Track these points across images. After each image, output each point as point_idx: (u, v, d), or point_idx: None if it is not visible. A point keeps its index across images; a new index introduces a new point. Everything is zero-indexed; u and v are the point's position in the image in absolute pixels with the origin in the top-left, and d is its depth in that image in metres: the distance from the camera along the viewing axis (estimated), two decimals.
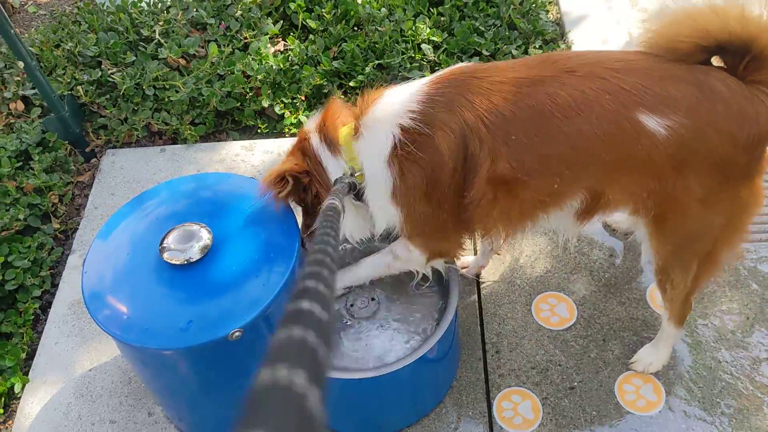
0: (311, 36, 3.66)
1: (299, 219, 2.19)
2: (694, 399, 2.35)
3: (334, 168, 2.05)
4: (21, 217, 3.00)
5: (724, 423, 2.28)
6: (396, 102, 1.94)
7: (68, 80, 3.48)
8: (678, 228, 1.99)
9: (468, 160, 1.88)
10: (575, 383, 2.42)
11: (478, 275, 2.72)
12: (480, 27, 3.58)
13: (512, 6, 3.63)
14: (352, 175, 2.01)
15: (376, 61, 3.45)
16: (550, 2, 3.87)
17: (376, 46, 3.51)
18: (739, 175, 1.89)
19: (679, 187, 1.88)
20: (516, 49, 3.49)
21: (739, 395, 2.34)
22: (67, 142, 3.39)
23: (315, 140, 2.07)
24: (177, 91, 3.38)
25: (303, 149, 2.10)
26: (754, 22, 1.70)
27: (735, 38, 1.73)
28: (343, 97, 3.42)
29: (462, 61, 3.44)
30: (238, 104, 3.44)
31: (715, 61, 1.87)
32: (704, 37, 1.76)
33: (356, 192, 2.04)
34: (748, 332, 2.50)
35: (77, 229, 3.10)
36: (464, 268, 2.70)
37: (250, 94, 3.45)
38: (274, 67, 3.45)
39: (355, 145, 2.00)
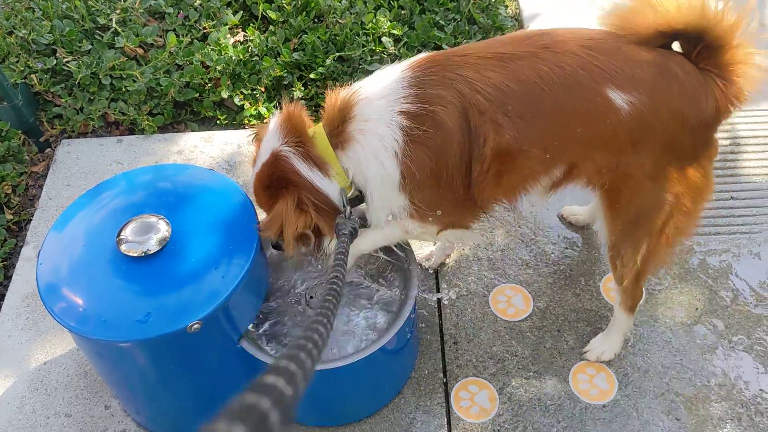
0: (271, 27, 3.64)
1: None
2: (646, 388, 2.41)
3: (333, 191, 1.99)
4: None
5: (674, 411, 2.35)
6: (381, 94, 1.90)
7: (22, 68, 3.41)
8: (629, 203, 2.07)
9: (471, 132, 1.88)
10: (531, 373, 2.46)
11: (443, 264, 2.75)
12: (440, 21, 3.61)
13: (472, 1, 3.67)
14: (345, 203, 1.98)
15: (337, 54, 3.45)
16: None
17: (337, 38, 3.50)
18: (687, 155, 1.99)
19: (634, 163, 1.97)
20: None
21: (688, 384, 2.42)
22: (20, 131, 3.32)
23: (301, 165, 1.94)
24: (134, 81, 3.34)
25: (290, 179, 1.96)
26: (707, 14, 1.82)
27: (690, 28, 1.85)
28: (302, 88, 3.41)
29: None
30: (197, 95, 3.41)
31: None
32: (663, 25, 1.86)
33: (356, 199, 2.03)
34: (697, 322, 2.57)
35: (31, 220, 3.04)
36: (427, 260, 2.73)
37: (209, 84, 3.42)
38: (233, 57, 3.42)
39: (344, 156, 1.94)
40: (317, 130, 1.98)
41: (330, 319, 1.36)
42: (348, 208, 2.00)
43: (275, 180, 1.98)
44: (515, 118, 1.87)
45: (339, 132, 1.93)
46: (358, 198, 2.06)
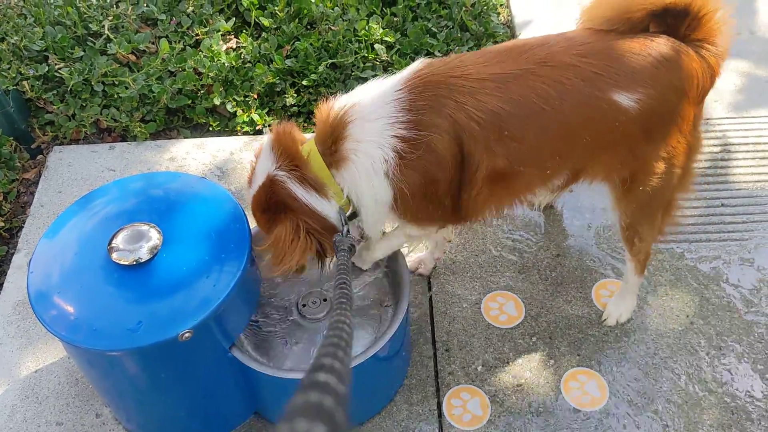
0: (264, 34, 3.65)
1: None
2: (637, 395, 2.42)
3: (331, 211, 1.97)
4: None
5: (665, 418, 2.36)
6: (375, 116, 1.89)
7: (14, 75, 3.40)
8: (644, 187, 2.14)
9: (464, 159, 1.90)
10: (523, 380, 2.47)
11: (434, 267, 2.75)
12: (432, 28, 3.62)
13: (464, 8, 3.68)
14: (344, 221, 1.98)
15: (329, 61, 3.45)
16: (501, 5, 3.93)
17: (330, 45, 3.51)
18: (690, 126, 2.07)
19: (649, 151, 2.05)
20: (468, 50, 3.53)
21: (679, 391, 2.42)
22: (12, 138, 3.32)
23: (298, 189, 1.92)
24: (127, 88, 3.33)
25: (287, 204, 1.95)
26: None
27: (678, 2, 1.92)
28: (295, 95, 3.41)
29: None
30: (190, 101, 3.41)
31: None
32: (655, 4, 1.93)
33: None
34: (688, 329, 2.58)
35: (22, 227, 3.03)
36: (418, 267, 2.73)
37: (202, 91, 3.42)
38: (226, 64, 3.43)
39: (339, 175, 1.94)
40: (311, 150, 1.95)
41: (349, 318, 1.37)
42: (346, 227, 1.99)
43: (272, 204, 1.97)
44: (510, 142, 1.89)
45: (332, 151, 1.92)
46: (354, 214, 2.07)
